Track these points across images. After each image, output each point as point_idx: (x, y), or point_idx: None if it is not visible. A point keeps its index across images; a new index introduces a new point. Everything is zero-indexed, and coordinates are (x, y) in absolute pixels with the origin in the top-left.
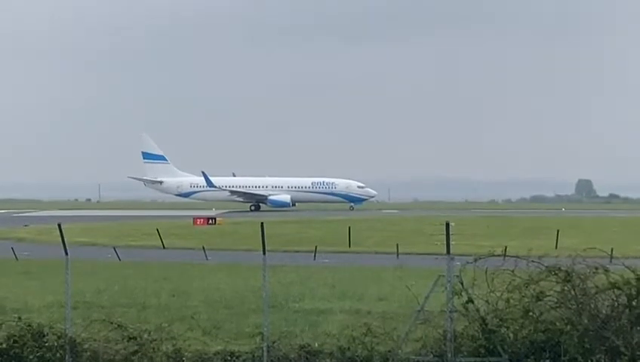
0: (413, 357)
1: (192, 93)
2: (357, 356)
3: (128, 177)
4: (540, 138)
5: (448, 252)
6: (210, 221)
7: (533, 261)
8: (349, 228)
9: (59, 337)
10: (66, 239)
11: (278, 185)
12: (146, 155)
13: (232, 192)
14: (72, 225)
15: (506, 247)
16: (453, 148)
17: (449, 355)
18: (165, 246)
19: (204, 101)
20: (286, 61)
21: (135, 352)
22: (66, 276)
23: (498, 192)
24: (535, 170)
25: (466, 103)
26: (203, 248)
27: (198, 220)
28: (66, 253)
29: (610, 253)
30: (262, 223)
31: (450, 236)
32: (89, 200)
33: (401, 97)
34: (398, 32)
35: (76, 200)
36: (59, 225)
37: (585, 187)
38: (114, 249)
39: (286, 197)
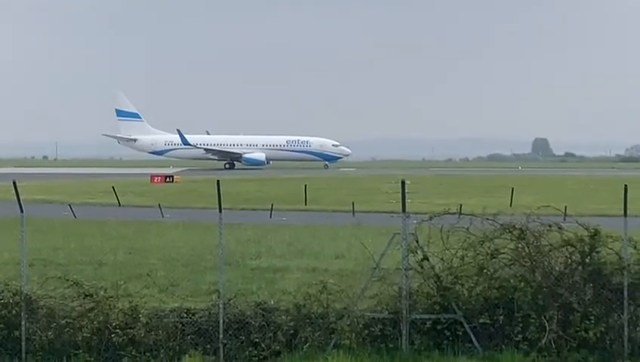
0: (369, 313)
1: (167, 52)
2: (313, 313)
3: (102, 135)
4: (497, 97)
5: (404, 210)
6: (168, 179)
7: (487, 219)
8: (305, 186)
9: (14, 294)
10: (21, 196)
11: (252, 144)
12: (120, 113)
13: (207, 150)
14: (28, 183)
15: (461, 205)
16: (410, 108)
17: (404, 312)
18: (122, 203)
19: (179, 60)
20: (255, 25)
21: (91, 309)
22: (21, 233)
23: (455, 151)
24: (492, 129)
25: (425, 64)
26: (159, 206)
27: (156, 178)
28: (22, 211)
29: (564, 210)
30: (218, 181)
31: (406, 194)
32: (46, 157)
33: (360, 60)
34: None
35: (33, 157)
36: (14, 182)
37: (541, 146)
38: (69, 206)
39: (261, 156)
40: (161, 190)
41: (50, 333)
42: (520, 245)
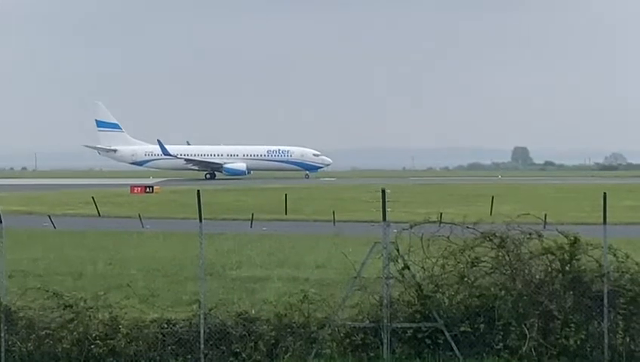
0: (350, 323)
1: (146, 62)
2: (294, 322)
3: (83, 145)
4: (477, 106)
5: (384, 219)
6: (148, 189)
7: (468, 227)
8: (286, 195)
9: None
10: (0, 207)
11: (233, 154)
12: (100, 123)
13: (188, 160)
14: (7, 194)
15: (441, 214)
16: (391, 117)
17: (385, 321)
18: (102, 214)
19: (158, 70)
20: (235, 33)
21: (71, 320)
22: (0, 245)
23: (436, 160)
24: (472, 138)
25: (404, 73)
26: (139, 216)
27: (136, 188)
28: (0, 221)
29: (544, 219)
30: (198, 191)
31: (387, 203)
32: (25, 168)
33: (341, 69)
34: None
35: (12, 169)
36: None
37: (521, 154)
38: (49, 217)
39: (241, 166)
40: (141, 200)
41: (29, 344)
42: (500, 253)
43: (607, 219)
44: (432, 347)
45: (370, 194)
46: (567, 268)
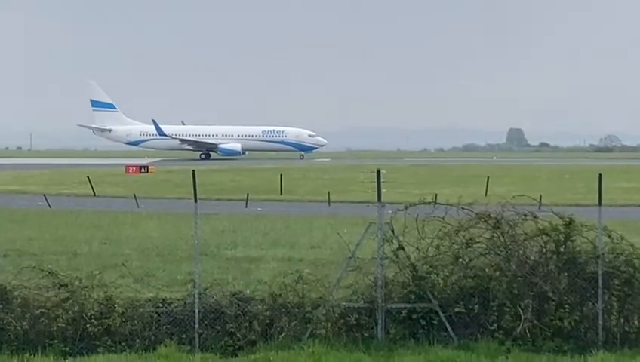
0: (345, 303)
1: (142, 41)
2: (288, 302)
3: (78, 125)
4: (471, 88)
5: (379, 199)
6: (143, 169)
7: (463, 208)
8: (281, 176)
9: None
10: None
11: (228, 134)
12: (95, 103)
13: (183, 140)
14: (2, 173)
15: (436, 195)
16: (386, 98)
17: (379, 301)
18: (97, 194)
19: (153, 50)
20: (229, 18)
21: (66, 299)
22: None
23: (430, 141)
24: (467, 120)
25: (398, 54)
26: (134, 196)
27: (131, 168)
28: None
29: (539, 200)
30: (193, 171)
31: (382, 184)
32: (20, 148)
33: (334, 50)
34: None
35: (7, 148)
36: None
37: (516, 136)
38: (44, 196)
39: (236, 146)
40: (136, 180)
41: (24, 323)
42: (495, 234)
43: (602, 201)
44: (426, 327)
45: (365, 174)
46: (561, 249)
